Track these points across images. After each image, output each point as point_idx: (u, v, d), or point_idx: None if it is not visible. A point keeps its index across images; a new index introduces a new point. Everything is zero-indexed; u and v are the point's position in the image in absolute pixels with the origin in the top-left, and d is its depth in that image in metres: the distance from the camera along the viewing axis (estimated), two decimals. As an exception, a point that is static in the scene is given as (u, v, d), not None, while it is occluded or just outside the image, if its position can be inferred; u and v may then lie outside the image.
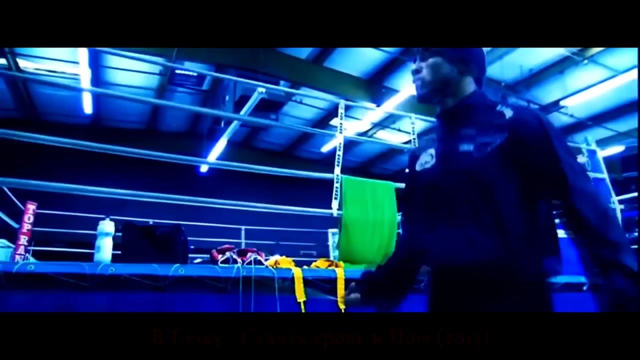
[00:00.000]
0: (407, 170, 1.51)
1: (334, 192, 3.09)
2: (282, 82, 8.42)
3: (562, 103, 8.47)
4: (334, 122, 10.94)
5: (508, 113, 1.18)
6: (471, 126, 1.22)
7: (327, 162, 13.69)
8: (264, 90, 6.87)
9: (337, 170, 3.16)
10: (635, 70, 7.21)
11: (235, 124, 7.32)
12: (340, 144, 3.31)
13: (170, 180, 8.03)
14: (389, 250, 3.11)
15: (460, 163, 1.19)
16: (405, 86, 9.02)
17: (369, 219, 3.11)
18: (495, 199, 1.13)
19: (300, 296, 2.45)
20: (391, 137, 11.84)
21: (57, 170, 6.07)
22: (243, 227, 8.05)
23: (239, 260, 2.48)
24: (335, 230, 8.79)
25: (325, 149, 11.70)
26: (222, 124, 8.37)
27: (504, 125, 1.16)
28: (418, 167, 1.37)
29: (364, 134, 11.55)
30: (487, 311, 1.08)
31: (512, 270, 1.10)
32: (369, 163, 13.75)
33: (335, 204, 3.06)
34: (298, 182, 11.06)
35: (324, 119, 10.84)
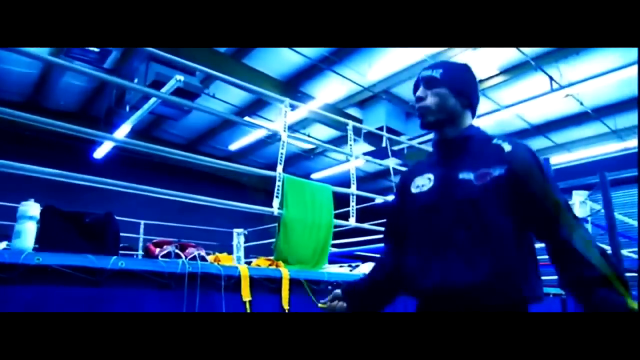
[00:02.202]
0: (395, 191, 1.57)
1: (275, 190, 3.04)
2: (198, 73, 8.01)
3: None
4: (247, 119, 10.74)
5: (507, 147, 1.30)
6: (470, 156, 1.33)
7: (233, 160, 13.37)
8: (182, 78, 6.50)
9: (280, 168, 3.12)
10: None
11: (146, 108, 6.80)
12: (283, 142, 3.28)
13: (55, 164, 7.07)
14: (324, 253, 3.16)
15: (460, 189, 1.28)
16: (321, 94, 9.24)
17: (307, 220, 3.12)
18: (493, 225, 1.22)
19: (246, 295, 2.37)
20: (299, 143, 12.00)
21: None
22: (142, 222, 7.48)
23: (182, 255, 2.31)
24: (240, 230, 8.62)
25: (234, 146, 11.41)
26: (128, 109, 7.68)
27: (504, 158, 1.27)
28: (414, 190, 1.42)
29: (273, 136, 11.51)
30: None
31: (507, 296, 1.20)
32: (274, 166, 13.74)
33: (276, 202, 3.01)
34: (207, 178, 10.64)
35: (236, 115, 10.56)
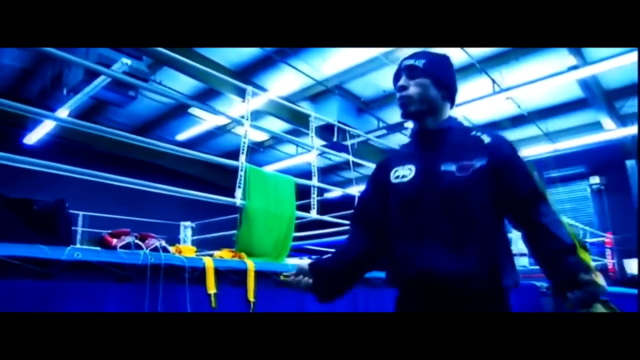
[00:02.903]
0: (370, 179, 1.57)
1: (238, 180, 2.95)
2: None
3: (406, 125, 9.69)
4: (194, 110, 10.38)
5: (486, 139, 1.35)
6: (451, 147, 1.36)
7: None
8: (129, 62, 6.15)
9: (243, 158, 3.04)
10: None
11: (87, 91, 6.37)
12: (246, 131, 3.19)
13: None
14: (286, 246, 3.13)
15: (443, 181, 1.30)
16: (274, 87, 9.12)
17: (270, 211, 3.07)
18: (475, 215, 1.27)
19: (211, 288, 2.28)
20: (251, 134, 11.80)
21: None
22: (81, 213, 7.02)
23: (143, 246, 2.18)
24: (187, 223, 8.33)
25: (182, 137, 10.99)
26: (66, 92, 7.13)
27: (484, 149, 1.32)
28: (394, 180, 1.43)
29: (223, 127, 11.24)
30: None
31: (490, 284, 1.25)
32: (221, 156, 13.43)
33: (239, 192, 2.93)
34: (154, 170, 10.14)
35: (183, 105, 10.19)
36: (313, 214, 3.53)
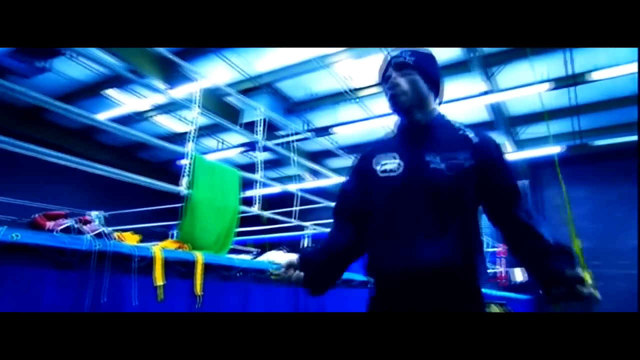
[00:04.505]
0: (353, 170, 1.55)
1: (184, 169, 2.80)
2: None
3: (331, 130, 9.92)
4: (111, 92, 9.59)
5: (474, 139, 1.40)
6: (438, 142, 1.40)
7: (87, 136, 11.77)
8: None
9: (191, 146, 2.88)
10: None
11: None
12: (195, 117, 3.04)
13: None
14: (228, 240, 3.04)
15: (432, 178, 1.34)
16: (203, 76, 8.75)
17: (215, 203, 2.95)
18: (460, 213, 1.33)
19: (159, 279, 2.14)
20: (172, 124, 11.22)
21: None
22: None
23: (88, 230, 1.97)
24: (95, 212, 7.68)
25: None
26: (-42, 54, 6.17)
27: (472, 149, 1.37)
28: (381, 173, 1.42)
29: (141, 114, 10.54)
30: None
31: (469, 278, 1.32)
32: (136, 146, 12.59)
33: (184, 181, 2.77)
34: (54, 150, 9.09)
35: (98, 85, 9.36)
36: (256, 209, 3.46)
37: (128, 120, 10.26)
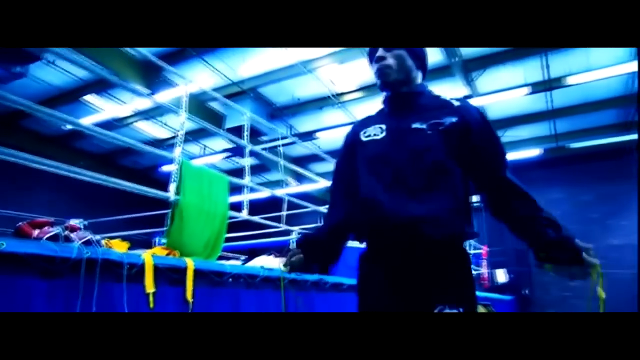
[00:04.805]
0: (344, 143, 1.59)
1: (172, 175, 2.76)
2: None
3: (315, 135, 9.94)
4: (90, 98, 9.42)
5: (455, 103, 1.43)
6: (421, 108, 1.43)
7: (63, 143, 11.49)
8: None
9: (178, 151, 2.85)
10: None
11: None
12: (182, 122, 3.00)
13: None
14: (217, 245, 3.01)
15: (413, 137, 1.37)
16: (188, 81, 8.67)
17: (204, 208, 2.92)
18: (442, 168, 1.34)
19: (150, 286, 2.10)
20: (153, 131, 11.06)
21: None
22: None
23: (76, 238, 1.93)
24: (77, 220, 7.52)
25: (71, 125, 9.82)
26: None
27: (454, 110, 1.40)
28: (364, 138, 1.47)
29: (122, 120, 10.37)
30: (437, 276, 1.27)
31: (451, 229, 1.31)
32: (117, 153, 12.36)
33: (173, 187, 2.73)
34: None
35: (77, 91, 9.17)
36: (244, 214, 3.44)
37: (108, 126, 10.05)
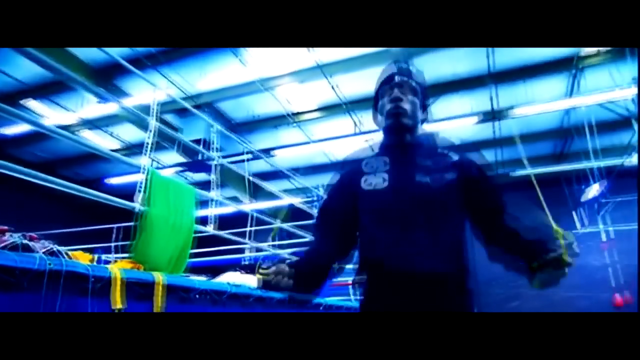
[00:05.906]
0: (336, 186, 1.60)
1: (139, 184, 2.60)
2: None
3: (272, 152, 9.88)
4: (32, 103, 8.81)
5: (454, 157, 1.50)
6: (424, 161, 1.47)
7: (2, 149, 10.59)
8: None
9: (146, 160, 2.70)
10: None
11: None
12: (151, 131, 2.86)
13: None
14: (182, 260, 2.87)
15: (418, 191, 1.41)
16: (139, 92, 8.39)
17: (170, 221, 2.77)
18: (448, 220, 1.39)
19: (117, 302, 1.95)
20: (100, 141, 10.50)
21: None
22: None
23: (38, 248, 1.75)
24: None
25: (9, 131, 9.14)
26: None
27: (453, 166, 1.46)
28: (365, 187, 1.48)
29: (66, 127, 9.76)
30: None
31: (464, 280, 1.37)
32: (58, 163, 11.58)
33: (140, 197, 2.58)
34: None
35: (17, 95, 8.55)
36: (210, 229, 3.30)
37: (41, 135, 9.43)
